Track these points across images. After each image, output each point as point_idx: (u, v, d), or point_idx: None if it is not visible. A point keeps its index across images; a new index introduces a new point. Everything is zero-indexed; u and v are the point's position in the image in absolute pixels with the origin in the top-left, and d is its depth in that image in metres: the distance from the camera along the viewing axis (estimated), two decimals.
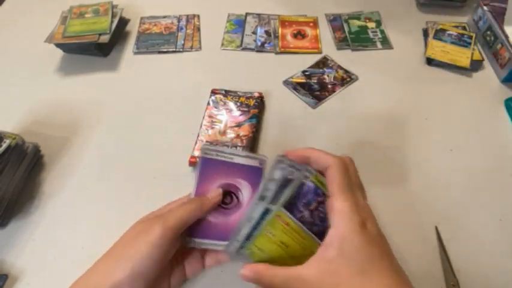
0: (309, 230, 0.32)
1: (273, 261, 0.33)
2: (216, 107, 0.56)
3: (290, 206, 0.32)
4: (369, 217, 0.31)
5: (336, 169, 0.33)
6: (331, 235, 0.30)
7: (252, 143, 0.53)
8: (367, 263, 0.29)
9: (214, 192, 0.38)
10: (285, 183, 0.33)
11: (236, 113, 0.55)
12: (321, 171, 0.34)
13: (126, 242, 0.35)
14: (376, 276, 0.29)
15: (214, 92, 0.58)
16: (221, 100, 0.57)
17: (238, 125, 0.54)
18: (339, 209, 0.31)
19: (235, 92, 0.59)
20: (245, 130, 0.53)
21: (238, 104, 0.56)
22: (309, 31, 0.71)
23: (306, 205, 0.33)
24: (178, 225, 0.34)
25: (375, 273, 0.29)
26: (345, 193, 0.31)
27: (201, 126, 0.54)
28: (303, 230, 0.32)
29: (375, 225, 0.31)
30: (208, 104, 0.57)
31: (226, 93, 0.58)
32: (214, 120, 0.55)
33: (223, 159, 0.39)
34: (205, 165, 0.39)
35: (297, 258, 0.32)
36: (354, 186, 0.33)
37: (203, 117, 0.55)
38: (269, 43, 0.69)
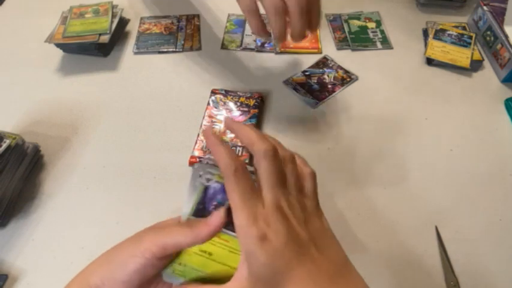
0: (229, 230, 0.29)
1: (205, 275, 0.30)
2: (216, 107, 0.56)
3: (200, 212, 0.30)
4: (270, 227, 0.26)
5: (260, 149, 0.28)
6: (242, 253, 0.27)
7: None
8: (276, 276, 0.26)
9: (216, 216, 0.29)
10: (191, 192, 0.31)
11: (236, 113, 0.55)
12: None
13: (116, 247, 0.32)
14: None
15: (214, 92, 0.58)
16: (221, 100, 0.57)
17: None
18: (236, 224, 0.27)
19: (235, 92, 0.59)
20: None
21: (238, 104, 0.56)
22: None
23: (217, 206, 0.30)
24: (169, 246, 0.29)
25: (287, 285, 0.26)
26: (242, 203, 0.27)
27: (201, 126, 0.54)
28: (222, 232, 0.29)
29: (279, 234, 0.26)
30: (208, 104, 0.57)
31: (226, 93, 0.58)
32: (214, 120, 0.55)
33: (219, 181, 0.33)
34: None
35: (229, 263, 0.29)
36: (266, 186, 0.28)
37: (203, 117, 0.55)
38: (269, 43, 0.69)
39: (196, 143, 0.53)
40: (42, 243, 0.46)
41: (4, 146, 0.47)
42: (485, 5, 0.67)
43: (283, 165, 0.30)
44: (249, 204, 0.27)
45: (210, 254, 0.30)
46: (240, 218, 0.27)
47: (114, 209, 0.49)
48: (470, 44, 0.65)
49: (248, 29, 0.72)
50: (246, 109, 0.56)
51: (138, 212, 0.49)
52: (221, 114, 0.55)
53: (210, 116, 0.55)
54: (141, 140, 0.56)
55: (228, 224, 0.29)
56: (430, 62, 0.65)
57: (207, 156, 0.51)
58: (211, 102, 0.57)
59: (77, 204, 0.50)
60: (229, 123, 0.33)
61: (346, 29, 0.71)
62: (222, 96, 0.58)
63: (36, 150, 0.53)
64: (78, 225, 0.48)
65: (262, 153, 0.28)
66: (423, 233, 0.46)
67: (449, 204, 0.49)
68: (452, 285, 0.42)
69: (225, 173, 0.28)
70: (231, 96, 0.57)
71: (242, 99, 0.57)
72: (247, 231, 0.26)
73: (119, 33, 0.71)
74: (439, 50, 0.65)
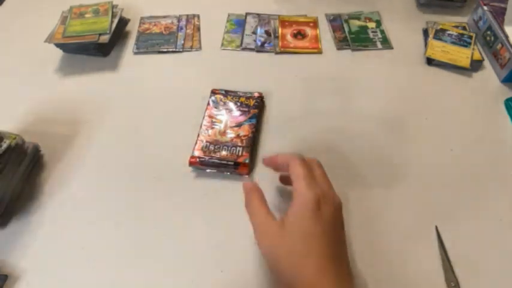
0: None
1: None
2: (216, 107, 0.56)
3: None
4: (325, 199, 0.36)
5: (295, 163, 0.39)
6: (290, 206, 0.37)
7: (252, 143, 0.53)
8: (308, 237, 0.35)
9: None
10: None
11: (236, 113, 0.55)
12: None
13: None
14: (314, 252, 0.34)
15: (214, 92, 0.58)
16: (221, 100, 0.57)
17: (238, 125, 0.54)
18: (296, 188, 0.37)
19: (236, 92, 0.59)
20: (245, 130, 0.53)
21: (238, 104, 0.56)
22: (309, 31, 0.71)
23: None
24: None
25: (312, 250, 0.34)
26: (304, 179, 0.37)
27: (201, 126, 0.54)
28: None
29: (329, 207, 0.36)
30: (208, 104, 0.57)
31: (226, 93, 0.58)
32: (214, 120, 0.55)
33: None
34: None
35: None
36: (314, 178, 0.38)
37: (203, 117, 0.55)
38: (269, 43, 0.69)
39: (196, 143, 0.53)
40: (42, 243, 0.46)
41: (4, 146, 0.47)
42: (485, 5, 0.67)
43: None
44: (314, 181, 0.38)
45: None
46: (303, 185, 0.37)
47: (114, 209, 0.49)
48: (470, 44, 0.65)
49: (248, 29, 0.72)
50: (246, 109, 0.56)
51: (138, 212, 0.49)
52: (221, 115, 0.55)
53: (210, 116, 0.55)
54: (141, 140, 0.56)
55: None
56: (430, 62, 0.65)
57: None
58: (211, 102, 0.57)
59: (77, 204, 0.50)
60: (268, 162, 0.45)
61: (346, 29, 0.71)
62: (222, 96, 0.58)
63: (36, 150, 0.53)
64: (78, 225, 0.48)
65: (303, 157, 0.40)
66: (423, 233, 0.46)
67: (449, 205, 0.49)
68: (453, 285, 0.42)
69: (295, 161, 0.39)
70: (231, 96, 0.57)
71: (242, 99, 0.57)
72: (306, 193, 0.36)
73: (119, 33, 0.71)
74: (439, 50, 0.65)
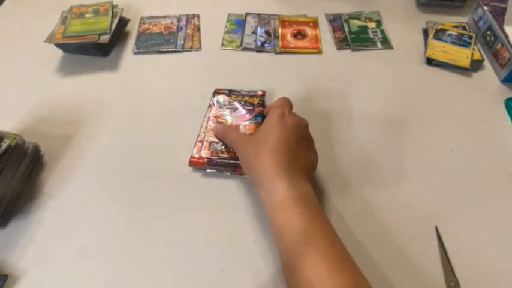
0: None
1: None
2: (220, 107, 0.56)
3: None
4: (291, 114, 0.47)
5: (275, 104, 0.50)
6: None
7: None
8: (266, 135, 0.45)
9: None
10: None
11: (241, 111, 0.55)
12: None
13: None
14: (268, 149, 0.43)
15: (217, 92, 0.58)
16: (225, 100, 0.57)
17: (244, 124, 0.54)
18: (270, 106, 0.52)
19: (239, 91, 0.59)
20: (251, 129, 0.53)
21: (243, 103, 0.56)
22: (309, 31, 0.71)
23: None
24: None
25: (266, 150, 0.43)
26: (277, 107, 0.48)
27: (201, 127, 0.54)
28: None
29: (291, 116, 0.47)
30: (213, 104, 0.57)
31: (230, 92, 0.58)
32: (220, 120, 0.55)
33: None
34: None
35: None
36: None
37: (208, 118, 0.55)
38: (269, 43, 0.69)
39: (196, 143, 0.53)
40: (42, 243, 0.46)
41: (4, 146, 0.47)
42: (485, 4, 0.67)
43: None
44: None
45: None
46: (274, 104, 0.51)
47: (114, 209, 0.49)
48: (470, 44, 0.65)
49: (248, 29, 0.72)
50: (250, 107, 0.56)
51: (138, 212, 0.49)
52: (226, 114, 0.55)
53: (216, 116, 0.55)
54: (141, 140, 0.56)
55: None
56: (430, 62, 0.65)
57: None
58: (215, 103, 0.57)
59: (77, 204, 0.50)
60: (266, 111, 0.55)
61: (346, 29, 0.71)
62: (226, 96, 0.58)
63: (36, 150, 0.53)
64: (78, 225, 0.48)
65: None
66: (423, 233, 0.46)
67: (449, 204, 0.49)
68: (453, 285, 0.42)
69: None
70: (235, 96, 0.57)
71: (246, 97, 0.57)
72: (275, 109, 0.48)
73: (119, 33, 0.71)
74: (439, 50, 0.65)
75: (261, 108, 0.55)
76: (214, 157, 0.51)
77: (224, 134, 0.51)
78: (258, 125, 0.53)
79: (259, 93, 0.58)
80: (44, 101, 0.61)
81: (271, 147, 0.43)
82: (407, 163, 0.53)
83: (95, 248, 0.46)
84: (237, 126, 0.53)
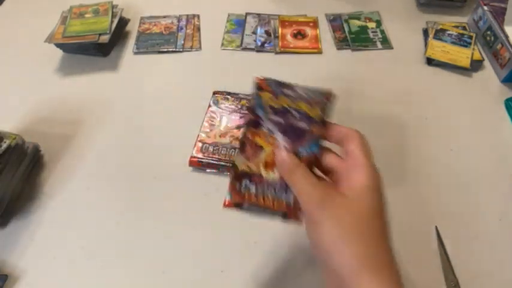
0: None
1: None
2: (216, 109, 0.56)
3: None
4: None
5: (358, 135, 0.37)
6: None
7: None
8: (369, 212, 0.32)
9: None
10: None
11: (236, 116, 0.55)
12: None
13: None
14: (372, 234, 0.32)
15: (215, 94, 0.58)
16: (222, 102, 0.57)
17: (238, 127, 0.54)
18: (365, 163, 0.34)
19: (237, 94, 0.58)
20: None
21: (239, 107, 0.56)
22: (309, 31, 0.71)
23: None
24: None
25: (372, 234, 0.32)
26: (369, 155, 0.35)
27: (201, 127, 0.54)
28: None
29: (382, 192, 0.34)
30: (209, 105, 0.57)
31: (228, 95, 0.58)
32: (214, 122, 0.55)
33: None
34: None
35: None
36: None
37: (203, 118, 0.55)
38: (269, 43, 0.69)
39: (196, 143, 0.53)
40: (42, 243, 0.46)
41: (4, 146, 0.47)
42: (485, 5, 0.67)
43: None
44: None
45: None
46: (370, 164, 0.35)
47: (114, 209, 0.49)
48: (470, 44, 0.65)
49: (248, 29, 0.72)
50: (246, 112, 0.56)
51: (138, 212, 0.49)
52: (221, 116, 0.55)
53: (211, 117, 0.55)
54: (141, 140, 0.56)
55: None
56: (430, 62, 0.65)
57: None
58: (212, 104, 0.57)
59: (77, 204, 0.50)
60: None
61: (346, 29, 0.71)
62: (223, 98, 0.57)
63: (36, 150, 0.53)
64: (78, 225, 0.48)
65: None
66: (423, 233, 0.46)
67: (449, 204, 0.49)
68: (453, 285, 0.42)
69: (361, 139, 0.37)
70: (233, 99, 0.57)
71: (243, 102, 0.57)
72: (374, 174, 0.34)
73: (119, 33, 0.71)
74: (439, 50, 0.65)
75: (319, 131, 0.36)
76: (204, 158, 0.51)
77: (289, 174, 0.33)
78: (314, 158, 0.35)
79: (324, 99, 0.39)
80: (44, 101, 0.61)
81: (386, 236, 0.32)
82: (407, 163, 0.53)
83: (95, 248, 0.46)
84: (232, 131, 0.53)
